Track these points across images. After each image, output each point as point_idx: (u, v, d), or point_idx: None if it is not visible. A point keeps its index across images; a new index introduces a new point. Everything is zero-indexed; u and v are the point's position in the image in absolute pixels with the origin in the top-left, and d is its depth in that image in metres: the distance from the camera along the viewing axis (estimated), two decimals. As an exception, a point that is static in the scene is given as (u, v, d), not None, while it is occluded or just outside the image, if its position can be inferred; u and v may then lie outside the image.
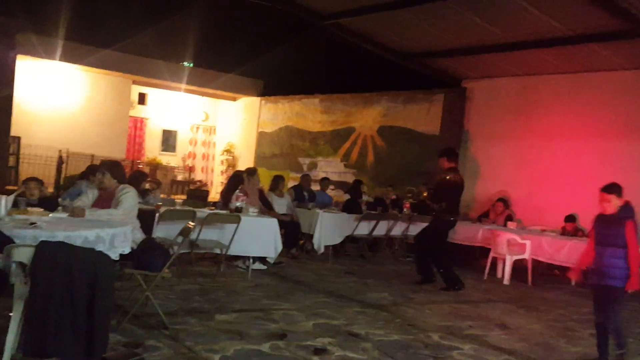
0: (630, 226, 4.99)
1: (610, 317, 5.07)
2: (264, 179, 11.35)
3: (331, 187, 12.40)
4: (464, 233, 10.40)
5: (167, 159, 19.39)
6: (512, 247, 9.26)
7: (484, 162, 12.59)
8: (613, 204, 5.13)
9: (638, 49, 9.86)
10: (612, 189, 5.20)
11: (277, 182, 10.23)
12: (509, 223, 10.40)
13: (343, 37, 12.27)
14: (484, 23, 10.16)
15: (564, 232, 10.08)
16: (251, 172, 9.40)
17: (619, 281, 4.95)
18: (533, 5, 9.12)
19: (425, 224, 10.66)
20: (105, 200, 5.58)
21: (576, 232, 10.07)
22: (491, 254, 9.53)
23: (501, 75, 12.47)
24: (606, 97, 10.91)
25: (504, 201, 11.43)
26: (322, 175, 13.71)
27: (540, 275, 9.75)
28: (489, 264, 9.54)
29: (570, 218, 10.28)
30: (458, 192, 8.29)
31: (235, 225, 7.25)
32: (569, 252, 8.89)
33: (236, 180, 8.83)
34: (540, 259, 9.30)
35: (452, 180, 8.13)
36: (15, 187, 11.16)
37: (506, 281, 9.15)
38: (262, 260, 8.28)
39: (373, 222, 10.13)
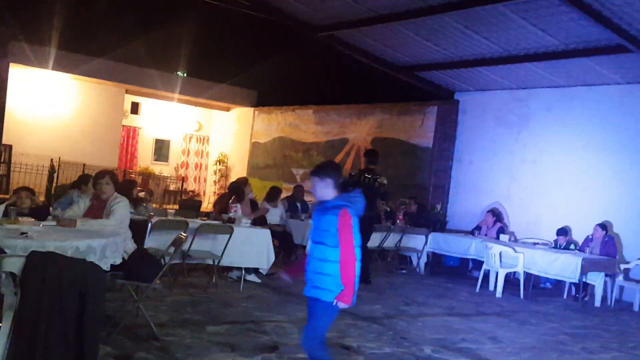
0: None
1: None
2: (257, 190, 11.34)
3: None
4: (457, 245, 10.42)
5: (159, 169, 19.34)
6: (504, 260, 9.26)
7: (476, 175, 12.61)
8: None
9: (630, 64, 9.93)
10: None
11: (275, 194, 10.20)
12: (502, 236, 10.41)
13: (337, 49, 12.32)
14: (478, 36, 10.22)
15: (556, 245, 10.09)
16: (243, 182, 9.41)
17: None
18: (526, 20, 9.19)
19: (418, 236, 10.74)
20: (97, 210, 5.54)
21: (568, 245, 10.08)
22: (484, 267, 9.53)
23: (494, 89, 12.52)
24: (599, 111, 10.96)
25: (494, 212, 11.44)
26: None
27: (533, 288, 9.76)
28: (481, 277, 9.53)
29: (563, 231, 10.30)
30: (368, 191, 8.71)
31: (227, 235, 7.22)
32: (562, 265, 8.89)
33: (234, 192, 8.84)
34: (532, 271, 9.30)
35: (355, 178, 8.93)
36: (6, 196, 11.09)
37: (498, 294, 9.14)
38: (257, 272, 8.24)
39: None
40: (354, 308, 7.11)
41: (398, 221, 11.08)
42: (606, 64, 10.14)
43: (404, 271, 10.84)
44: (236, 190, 8.93)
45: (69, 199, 6.96)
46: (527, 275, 9.33)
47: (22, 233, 4.19)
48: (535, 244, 10.26)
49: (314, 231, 3.94)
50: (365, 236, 9.09)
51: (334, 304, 3.78)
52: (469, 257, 10.34)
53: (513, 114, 12.19)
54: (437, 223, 11.43)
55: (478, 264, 10.02)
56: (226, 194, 9.19)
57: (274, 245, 8.18)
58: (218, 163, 19.57)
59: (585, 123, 11.09)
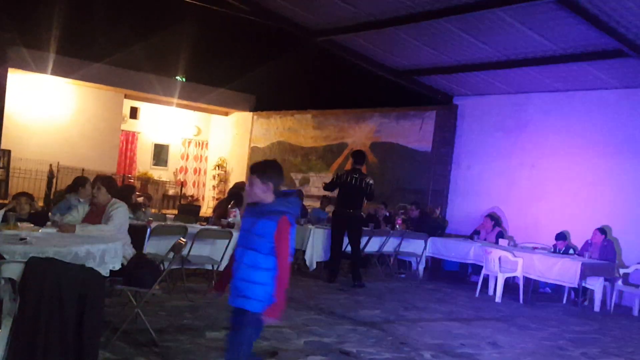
0: None
1: None
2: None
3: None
4: (456, 250, 10.42)
5: (158, 174, 19.32)
6: (503, 265, 9.26)
7: (475, 179, 12.62)
8: None
9: (628, 68, 9.95)
10: None
11: None
12: (501, 240, 10.41)
13: (336, 53, 12.33)
14: (476, 41, 10.24)
15: (555, 250, 10.09)
16: (242, 187, 9.42)
17: None
18: (524, 24, 9.21)
19: (417, 240, 10.73)
20: (96, 215, 5.54)
21: (567, 250, 10.09)
22: (483, 271, 9.53)
23: (492, 93, 12.53)
24: (596, 116, 10.98)
25: (492, 216, 11.44)
26: (315, 190, 13.71)
27: (532, 293, 9.75)
28: (480, 282, 9.53)
29: (561, 236, 10.30)
30: (348, 190, 9.23)
31: (226, 241, 7.22)
32: (561, 270, 8.89)
33: (233, 197, 8.84)
34: (532, 276, 9.29)
35: (342, 178, 9.27)
36: (5, 201, 11.07)
37: (498, 299, 9.13)
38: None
39: (365, 238, 10.10)
40: (352, 313, 7.14)
41: (397, 226, 11.06)
42: (604, 68, 10.16)
43: (403, 275, 10.84)
44: (235, 195, 8.93)
45: (67, 204, 6.94)
46: (527, 280, 9.33)
47: (21, 239, 4.19)
48: (534, 248, 10.26)
49: (244, 236, 3.64)
50: (352, 237, 9.22)
51: (262, 317, 3.47)
52: (468, 261, 10.34)
53: (511, 119, 12.20)
54: (437, 229, 11.42)
55: (477, 268, 10.01)
56: (225, 199, 9.19)
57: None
58: (217, 168, 19.56)
59: (583, 128, 11.10)
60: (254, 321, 3.50)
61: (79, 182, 7.23)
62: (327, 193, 10.90)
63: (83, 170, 14.95)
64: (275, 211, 3.53)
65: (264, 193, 3.57)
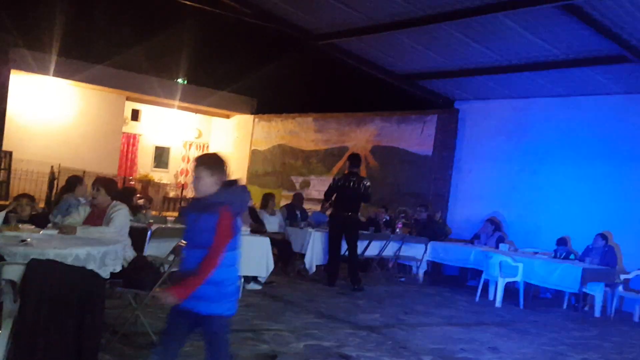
0: None
1: None
2: (256, 197, 11.32)
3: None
4: (457, 254, 10.40)
5: (159, 176, 19.33)
6: (504, 269, 9.24)
7: (476, 184, 12.61)
8: None
9: (630, 74, 9.95)
10: None
11: (267, 200, 10.24)
12: (502, 245, 10.39)
13: (337, 57, 12.34)
14: (478, 45, 10.25)
15: (556, 255, 10.08)
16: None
17: None
18: (526, 29, 9.21)
19: (418, 245, 10.72)
20: (97, 217, 5.54)
21: (568, 255, 10.06)
22: (483, 276, 9.52)
23: (494, 98, 12.54)
24: (598, 121, 10.97)
25: (492, 221, 11.43)
26: (315, 194, 13.71)
27: (533, 298, 9.73)
28: (481, 286, 9.51)
29: (562, 241, 10.29)
30: (345, 193, 9.25)
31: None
32: (561, 275, 8.88)
33: None
34: (532, 281, 9.28)
35: (340, 182, 9.34)
36: (6, 203, 11.07)
37: (498, 303, 9.12)
38: (256, 279, 8.23)
39: (365, 242, 10.09)
40: (352, 316, 7.13)
41: (397, 230, 11.05)
42: (606, 73, 10.17)
43: (403, 280, 10.82)
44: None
45: (65, 204, 6.92)
46: (527, 285, 9.31)
47: (22, 240, 4.18)
48: (535, 253, 10.24)
49: (189, 234, 3.41)
50: (349, 239, 9.19)
51: (169, 295, 3.22)
52: (468, 266, 10.31)
53: (513, 123, 12.20)
54: (442, 234, 11.42)
55: (477, 273, 9.99)
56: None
57: (272, 253, 8.16)
58: (218, 170, 19.53)
59: (585, 133, 11.10)
60: (221, 323, 3.35)
61: (74, 181, 7.21)
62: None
63: (84, 172, 14.93)
64: (216, 203, 3.35)
65: (210, 186, 3.41)
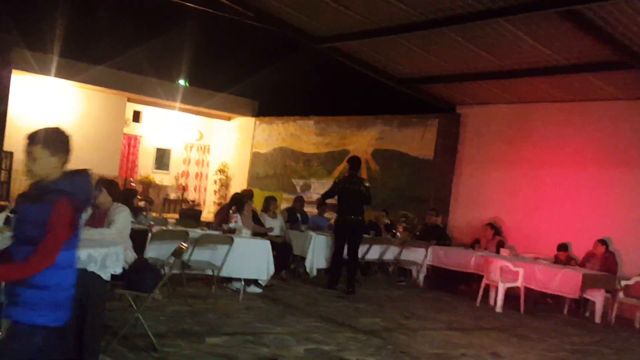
0: None
1: None
2: (257, 200, 11.33)
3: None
4: (457, 259, 10.39)
5: (160, 177, 19.32)
6: (504, 275, 9.23)
7: (477, 188, 12.60)
8: None
9: (631, 80, 9.95)
10: None
11: (268, 203, 10.23)
12: (502, 250, 10.38)
13: (339, 60, 12.35)
14: (479, 50, 10.25)
15: (556, 261, 10.07)
16: (248, 196, 9.54)
17: None
18: (528, 35, 9.22)
19: (418, 249, 10.71)
20: (99, 218, 5.53)
21: (569, 261, 10.06)
22: (484, 281, 9.50)
23: (495, 102, 12.54)
24: (599, 127, 10.97)
25: (492, 226, 11.41)
26: (316, 197, 13.67)
27: (533, 303, 9.72)
28: (481, 291, 9.50)
29: (563, 247, 10.28)
30: (348, 196, 9.30)
31: (228, 246, 7.21)
32: (562, 281, 8.87)
33: (235, 202, 8.84)
34: (532, 287, 9.26)
35: (341, 185, 9.43)
36: (7, 203, 11.07)
37: (499, 309, 9.10)
38: (257, 283, 8.22)
39: (366, 246, 10.08)
40: (353, 320, 7.12)
41: (398, 234, 11.04)
42: (607, 79, 10.17)
43: (403, 284, 10.80)
44: (237, 201, 8.94)
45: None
46: (528, 290, 9.29)
47: (23, 241, 4.17)
48: (535, 258, 10.23)
49: (19, 226, 2.82)
50: (352, 243, 9.20)
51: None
52: (469, 271, 10.29)
53: (514, 129, 12.19)
54: (446, 239, 11.40)
55: (478, 277, 9.97)
56: (227, 205, 9.19)
57: (273, 256, 8.16)
58: (218, 173, 19.56)
59: (586, 138, 11.10)
60: (28, 335, 2.69)
61: None
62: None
63: (85, 173, 14.93)
64: (55, 190, 2.74)
65: (51, 170, 2.82)
